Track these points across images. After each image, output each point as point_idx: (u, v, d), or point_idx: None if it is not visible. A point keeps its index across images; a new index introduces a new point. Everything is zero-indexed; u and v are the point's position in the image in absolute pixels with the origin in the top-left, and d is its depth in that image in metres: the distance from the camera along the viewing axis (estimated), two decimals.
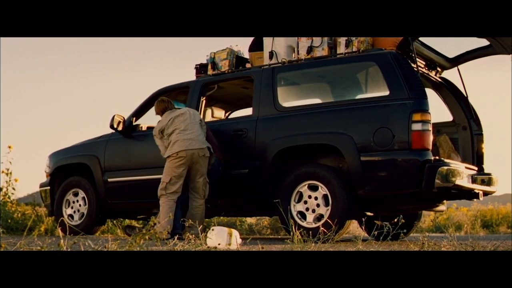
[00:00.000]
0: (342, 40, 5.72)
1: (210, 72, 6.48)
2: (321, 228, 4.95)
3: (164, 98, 6.07)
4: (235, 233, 4.41)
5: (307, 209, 5.45)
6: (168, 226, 5.49)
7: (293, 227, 4.78)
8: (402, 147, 5.12)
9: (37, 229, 7.12)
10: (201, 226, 5.27)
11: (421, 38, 5.68)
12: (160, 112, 5.98)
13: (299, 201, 5.49)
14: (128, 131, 6.72)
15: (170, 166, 5.69)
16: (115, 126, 6.60)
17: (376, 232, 4.18)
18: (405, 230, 4.69)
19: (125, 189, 6.71)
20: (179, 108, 5.99)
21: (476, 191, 5.56)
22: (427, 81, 6.12)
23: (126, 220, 8.03)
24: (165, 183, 5.67)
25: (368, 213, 5.80)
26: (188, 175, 5.74)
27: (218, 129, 6.13)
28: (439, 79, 6.33)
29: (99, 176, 6.81)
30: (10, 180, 8.51)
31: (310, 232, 5.03)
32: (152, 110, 6.82)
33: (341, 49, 5.72)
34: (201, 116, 6.22)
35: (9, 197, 8.46)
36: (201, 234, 4.01)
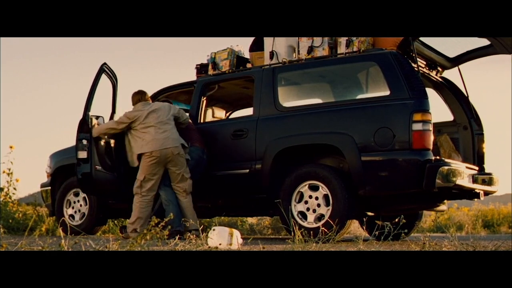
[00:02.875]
0: (342, 40, 5.71)
1: (210, 72, 6.47)
2: (322, 228, 4.95)
3: (140, 90, 6.09)
4: (236, 233, 4.41)
5: (308, 209, 5.45)
6: (139, 226, 5.58)
7: (294, 227, 4.79)
8: (403, 147, 5.12)
9: (38, 229, 7.13)
10: (196, 221, 5.34)
11: (421, 38, 5.68)
12: (135, 103, 6.00)
13: (300, 201, 5.49)
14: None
15: (144, 164, 5.72)
16: None
17: (377, 232, 4.18)
18: (406, 230, 4.70)
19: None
20: (152, 103, 6.01)
21: (477, 191, 5.55)
22: (427, 81, 6.12)
23: (126, 220, 8.03)
24: (139, 181, 5.71)
25: (369, 213, 5.80)
26: (166, 172, 5.78)
27: (218, 129, 6.13)
28: (440, 79, 6.33)
29: None
30: (11, 180, 8.50)
31: (311, 232, 5.02)
32: None
33: (342, 49, 5.71)
34: (201, 114, 6.24)
35: (10, 197, 8.45)
36: (202, 234, 4.02)
